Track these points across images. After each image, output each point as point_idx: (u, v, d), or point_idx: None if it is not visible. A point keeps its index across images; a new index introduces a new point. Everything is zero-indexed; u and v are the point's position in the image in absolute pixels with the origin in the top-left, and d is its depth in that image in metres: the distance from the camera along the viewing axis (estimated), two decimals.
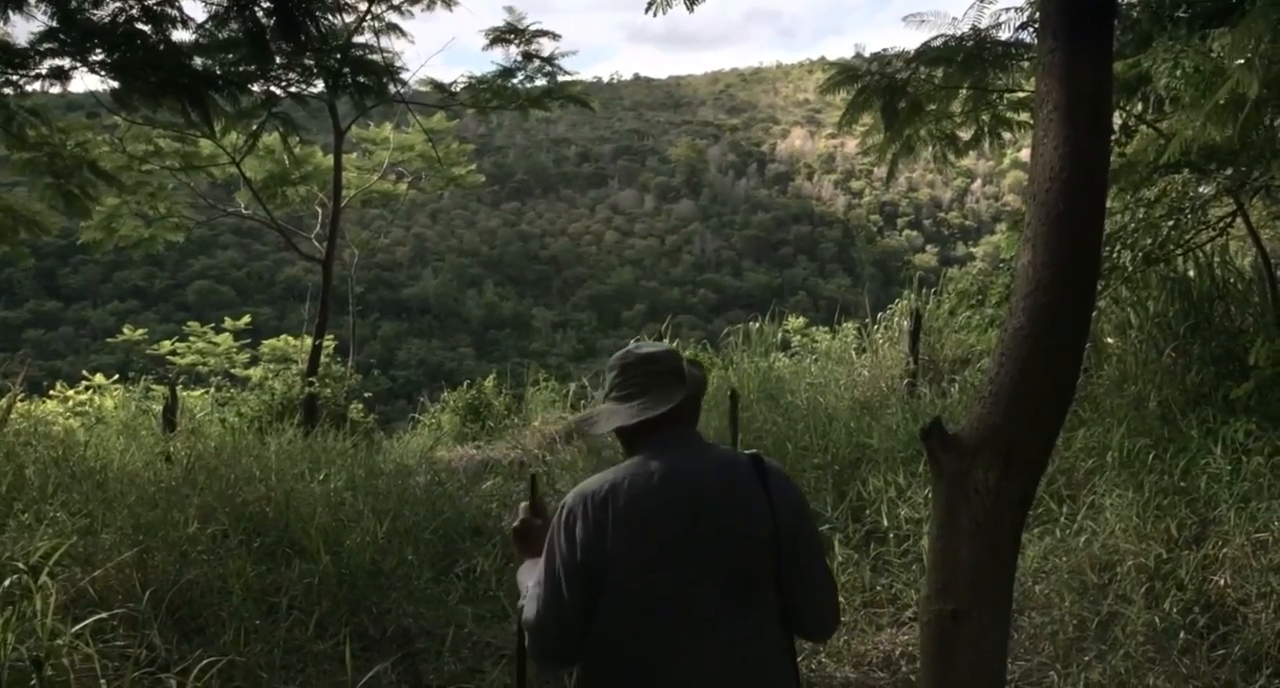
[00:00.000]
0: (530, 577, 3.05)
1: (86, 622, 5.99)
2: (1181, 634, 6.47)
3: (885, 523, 8.33)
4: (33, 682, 5.22)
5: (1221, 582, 6.81)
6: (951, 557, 4.67)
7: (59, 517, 7.77)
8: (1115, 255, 9.82)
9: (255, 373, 17.32)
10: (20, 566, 6.37)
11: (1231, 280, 10.39)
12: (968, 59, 10.23)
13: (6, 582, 6.10)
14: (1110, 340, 10.56)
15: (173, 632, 6.73)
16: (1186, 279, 10.36)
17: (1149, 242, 9.70)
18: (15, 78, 11.41)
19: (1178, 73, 8.04)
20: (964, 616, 4.59)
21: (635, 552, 2.84)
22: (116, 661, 6.06)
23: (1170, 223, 9.67)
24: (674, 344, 15.33)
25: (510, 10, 16.66)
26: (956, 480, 4.65)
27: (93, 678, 5.61)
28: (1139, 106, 10.41)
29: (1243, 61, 7.22)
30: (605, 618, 2.87)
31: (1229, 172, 9.31)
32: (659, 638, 2.83)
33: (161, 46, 10.97)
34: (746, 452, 3.04)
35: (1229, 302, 10.15)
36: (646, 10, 8.82)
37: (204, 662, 5.96)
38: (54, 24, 10.73)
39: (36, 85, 11.66)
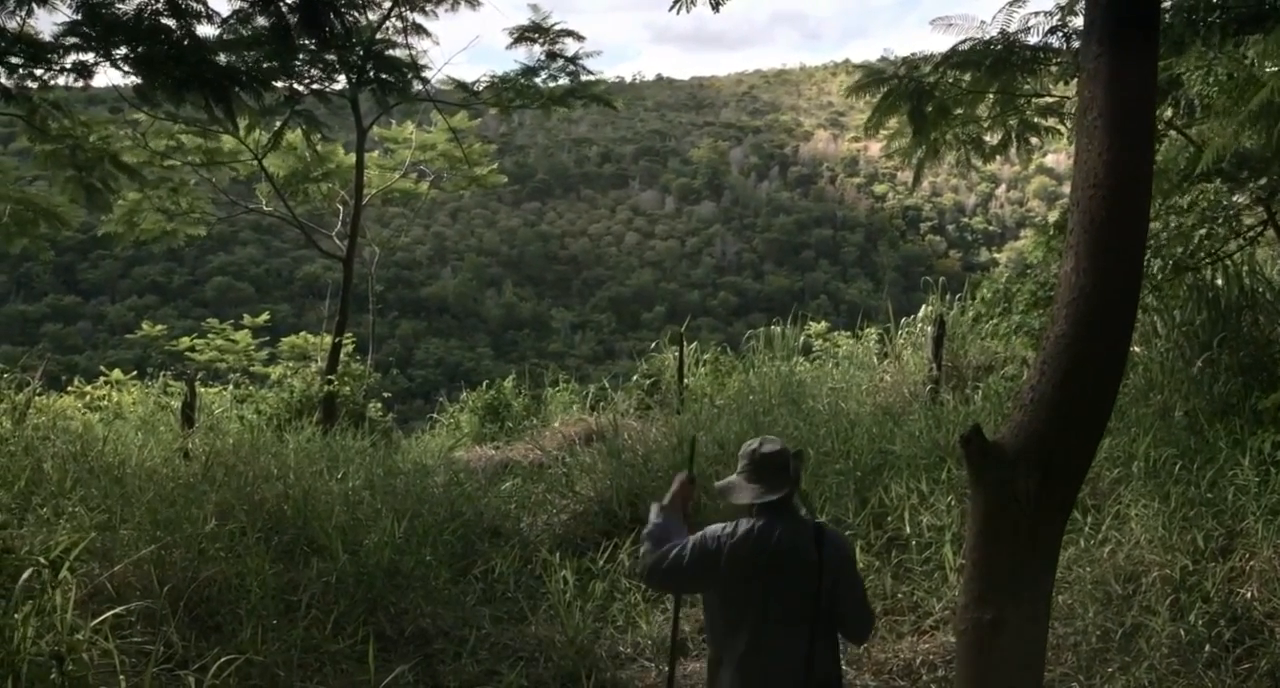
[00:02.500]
0: (663, 519, 4.75)
1: (105, 617, 5.97)
2: (1207, 647, 6.41)
3: (907, 530, 8.26)
4: (53, 676, 5.21)
5: (1248, 595, 6.71)
6: (990, 565, 4.64)
7: (77, 512, 7.77)
8: (1147, 263, 9.72)
9: (274, 371, 17.32)
10: (40, 560, 6.36)
11: (1260, 290, 10.27)
12: (996, 63, 10.14)
13: (26, 575, 6.08)
14: (1137, 349, 10.45)
15: (190, 629, 6.72)
16: (1215, 288, 10.25)
17: (1180, 250, 9.60)
18: (39, 72, 11.41)
19: (1210, 79, 7.96)
20: (1002, 624, 4.57)
21: (736, 572, 4.44)
22: (135, 657, 6.04)
23: (1203, 231, 9.57)
24: (693, 346, 15.50)
25: (534, 9, 16.67)
26: (996, 488, 4.61)
27: (112, 674, 5.60)
28: (1169, 112, 10.31)
29: (1276, 68, 7.14)
30: (719, 618, 4.57)
31: (1261, 180, 9.21)
32: (745, 631, 4.45)
33: (186, 41, 10.94)
34: (816, 521, 4.64)
35: (1257, 311, 10.03)
36: (671, 8, 8.76)
37: (222, 659, 5.94)
38: (77, 18, 10.72)
39: (60, 80, 11.67)
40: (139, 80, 11.75)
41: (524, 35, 16.77)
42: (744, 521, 4.54)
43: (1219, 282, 10.38)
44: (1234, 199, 9.89)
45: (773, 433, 10.48)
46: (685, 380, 14.55)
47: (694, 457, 5.34)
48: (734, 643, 4.49)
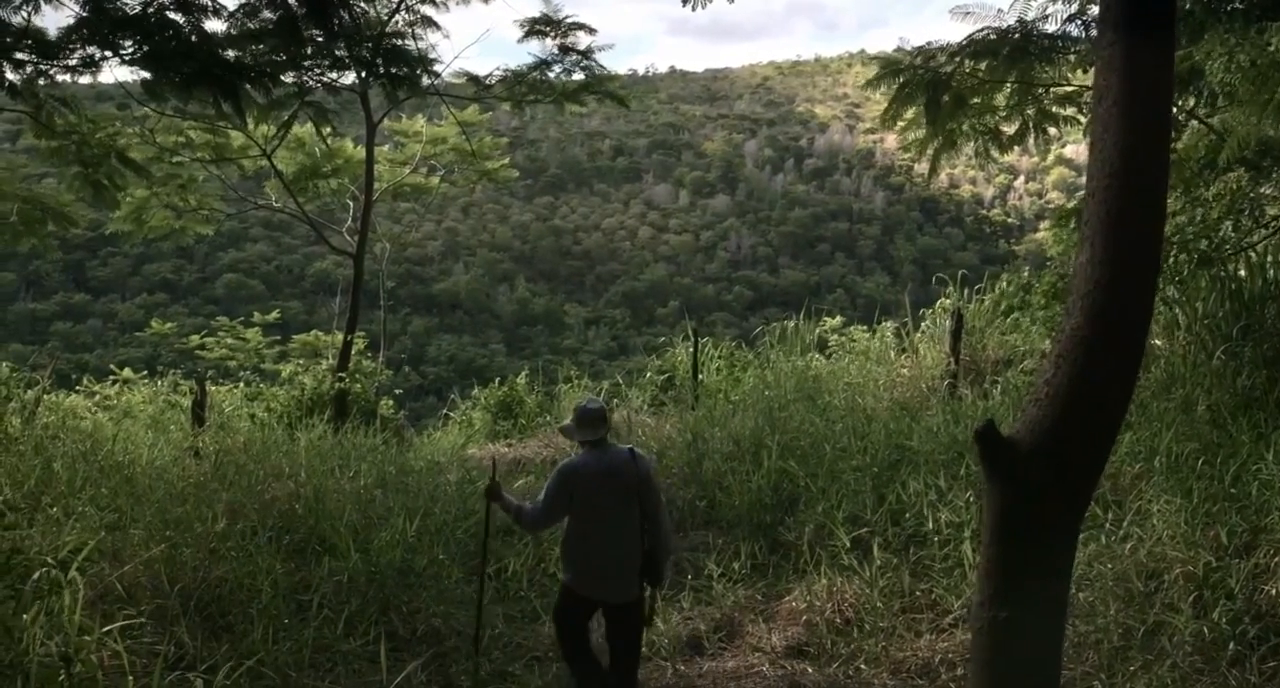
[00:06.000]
0: (509, 503, 6.62)
1: (117, 621, 5.92)
2: (1231, 645, 6.32)
3: (927, 526, 8.17)
4: (62, 678, 5.15)
5: (1273, 591, 6.62)
6: (1005, 562, 4.55)
7: (87, 512, 7.75)
8: (1170, 256, 9.60)
9: (285, 368, 17.27)
10: (49, 560, 6.30)
11: None
12: (1013, 52, 10.06)
13: (35, 576, 6.04)
14: (1158, 342, 10.33)
15: (201, 629, 6.70)
16: (1238, 279, 10.12)
17: (1205, 242, 9.48)
18: (46, 68, 11.35)
19: (1232, 67, 7.84)
20: (1017, 622, 4.48)
21: (588, 490, 6.39)
22: (145, 658, 6.00)
23: (1229, 223, 9.45)
24: (707, 341, 15.66)
25: (546, 2, 16.55)
26: (1011, 484, 4.53)
27: (121, 675, 5.54)
28: (1190, 101, 10.19)
29: None
30: (574, 517, 6.47)
31: None
32: (595, 525, 6.41)
33: (193, 36, 10.88)
34: (627, 447, 6.69)
35: None
36: (685, 3, 8.72)
37: (231, 661, 5.89)
38: (84, 13, 10.66)
39: (67, 76, 11.60)
40: (146, 76, 11.68)
41: (535, 28, 16.66)
42: (580, 454, 6.60)
43: (1241, 273, 10.26)
44: (1261, 190, 9.75)
45: (788, 429, 10.47)
46: (700, 376, 14.47)
47: (495, 473, 6.90)
48: (588, 537, 6.45)
